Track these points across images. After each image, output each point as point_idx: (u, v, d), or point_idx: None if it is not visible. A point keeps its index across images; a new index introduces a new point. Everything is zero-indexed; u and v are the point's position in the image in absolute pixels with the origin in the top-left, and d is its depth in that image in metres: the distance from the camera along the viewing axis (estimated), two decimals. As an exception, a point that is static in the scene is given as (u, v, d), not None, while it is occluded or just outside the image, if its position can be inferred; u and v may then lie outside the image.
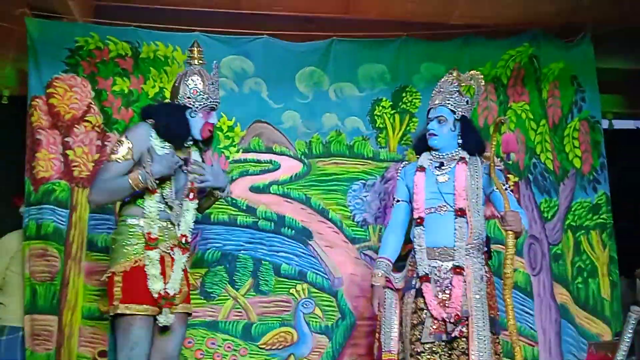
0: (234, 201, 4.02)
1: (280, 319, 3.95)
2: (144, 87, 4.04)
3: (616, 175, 4.38)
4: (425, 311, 3.01)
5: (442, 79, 3.32)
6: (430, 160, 3.26)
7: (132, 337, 2.79)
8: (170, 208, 2.97)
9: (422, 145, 3.32)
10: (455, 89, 3.25)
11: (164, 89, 3.96)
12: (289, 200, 4.08)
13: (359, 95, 4.20)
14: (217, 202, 3.33)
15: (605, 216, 4.24)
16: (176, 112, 2.99)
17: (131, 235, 2.89)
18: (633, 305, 3.12)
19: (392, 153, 4.17)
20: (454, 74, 3.29)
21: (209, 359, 3.86)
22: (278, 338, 3.93)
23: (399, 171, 3.38)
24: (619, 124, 5.85)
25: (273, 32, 4.17)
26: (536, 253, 4.09)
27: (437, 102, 3.25)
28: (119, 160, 2.87)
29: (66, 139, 3.95)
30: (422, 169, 3.24)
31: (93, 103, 3.99)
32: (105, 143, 3.95)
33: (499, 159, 3.97)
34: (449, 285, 3.02)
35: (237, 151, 4.10)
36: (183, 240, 3.00)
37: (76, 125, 3.97)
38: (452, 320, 2.95)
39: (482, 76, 3.29)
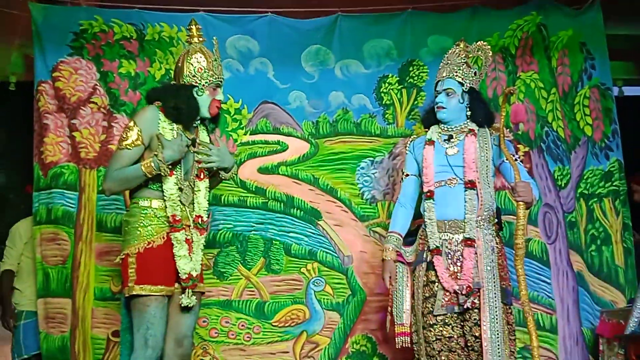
0: (242, 183, 4.02)
1: (292, 297, 3.97)
2: (150, 69, 4.02)
3: (628, 142, 4.33)
4: (436, 284, 3.02)
5: (450, 51, 3.29)
6: (439, 133, 3.24)
7: (148, 317, 2.82)
8: (180, 190, 2.98)
9: (430, 118, 3.31)
10: (462, 61, 3.22)
11: (170, 71, 3.93)
12: (297, 181, 4.07)
13: (365, 72, 4.16)
14: (226, 184, 3.33)
15: (619, 183, 4.20)
16: (183, 91, 2.98)
17: (144, 217, 2.91)
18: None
19: (400, 129, 4.13)
20: (461, 46, 3.27)
21: (223, 337, 3.90)
22: (290, 315, 3.96)
23: (408, 145, 3.37)
24: (630, 91, 5.78)
25: (277, 10, 4.13)
26: (551, 221, 4.05)
27: (444, 74, 3.23)
28: (129, 147, 2.87)
29: (72, 121, 3.95)
30: (431, 142, 3.23)
31: (99, 84, 3.99)
32: (112, 124, 3.96)
33: (508, 130, 3.94)
34: (460, 257, 3.02)
35: (245, 133, 4.08)
36: (199, 221, 3.01)
37: (82, 107, 3.96)
38: (463, 292, 2.96)
39: (489, 47, 3.25)
